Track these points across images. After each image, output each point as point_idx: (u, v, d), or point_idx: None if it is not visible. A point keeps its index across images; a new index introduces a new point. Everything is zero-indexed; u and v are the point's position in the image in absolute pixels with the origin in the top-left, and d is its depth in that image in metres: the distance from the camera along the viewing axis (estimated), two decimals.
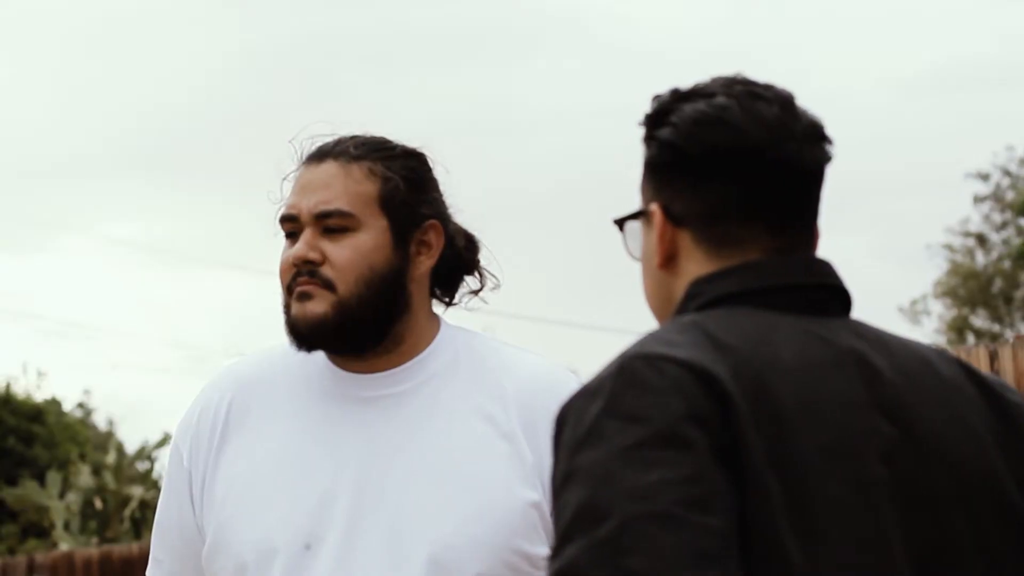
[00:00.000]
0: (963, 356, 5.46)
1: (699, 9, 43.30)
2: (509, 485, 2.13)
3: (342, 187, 2.17)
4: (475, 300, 2.31)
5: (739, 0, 40.97)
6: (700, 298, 1.57)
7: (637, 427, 1.40)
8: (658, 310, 1.65)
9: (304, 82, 39.79)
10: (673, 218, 1.60)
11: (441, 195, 2.25)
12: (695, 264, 1.60)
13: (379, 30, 41.52)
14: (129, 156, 41.94)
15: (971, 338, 25.61)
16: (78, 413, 26.30)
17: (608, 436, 1.40)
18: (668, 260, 1.61)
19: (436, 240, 2.22)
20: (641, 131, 1.64)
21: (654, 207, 1.61)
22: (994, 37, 39.32)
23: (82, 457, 21.11)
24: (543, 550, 2.14)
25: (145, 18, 40.45)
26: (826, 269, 1.61)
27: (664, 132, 1.60)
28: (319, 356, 2.23)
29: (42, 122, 40.81)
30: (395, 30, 40.40)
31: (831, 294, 1.61)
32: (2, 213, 37.78)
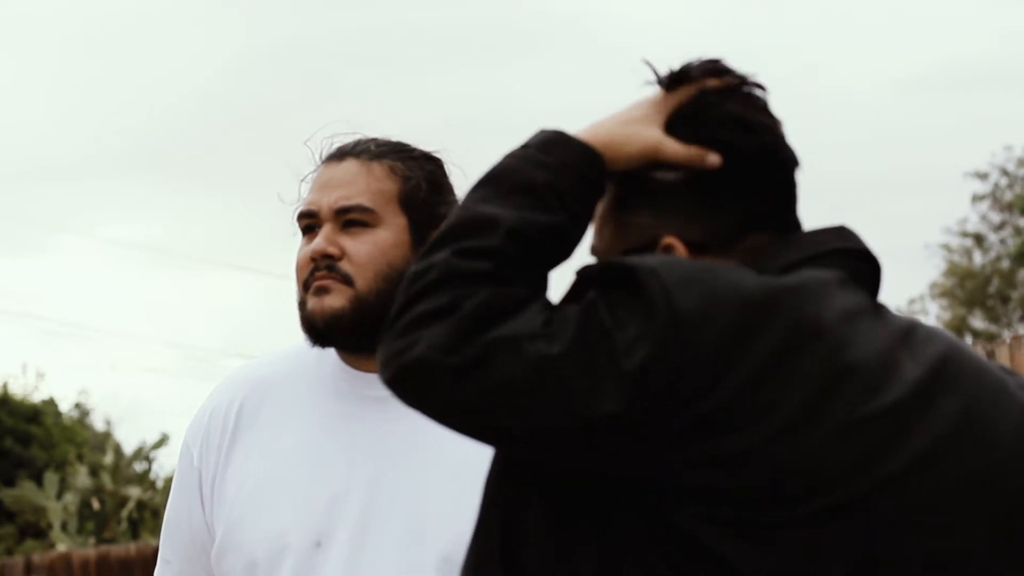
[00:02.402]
0: None
1: (699, 10, 43.35)
2: None
3: (364, 184, 2.18)
4: None
5: (739, 1, 40.99)
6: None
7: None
8: None
9: (304, 82, 39.81)
10: (695, 246, 1.53)
11: (457, 200, 2.26)
12: None
13: (379, 30, 41.54)
14: (129, 157, 41.95)
15: (968, 339, 25.64)
16: (76, 414, 26.27)
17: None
18: None
19: None
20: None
21: (670, 240, 1.53)
22: (992, 37, 39.35)
23: (79, 458, 21.10)
24: None
25: (145, 19, 40.47)
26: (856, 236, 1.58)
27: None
28: (331, 356, 2.24)
29: (42, 122, 40.83)
30: (395, 30, 40.41)
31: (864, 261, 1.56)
32: (2, 213, 37.75)
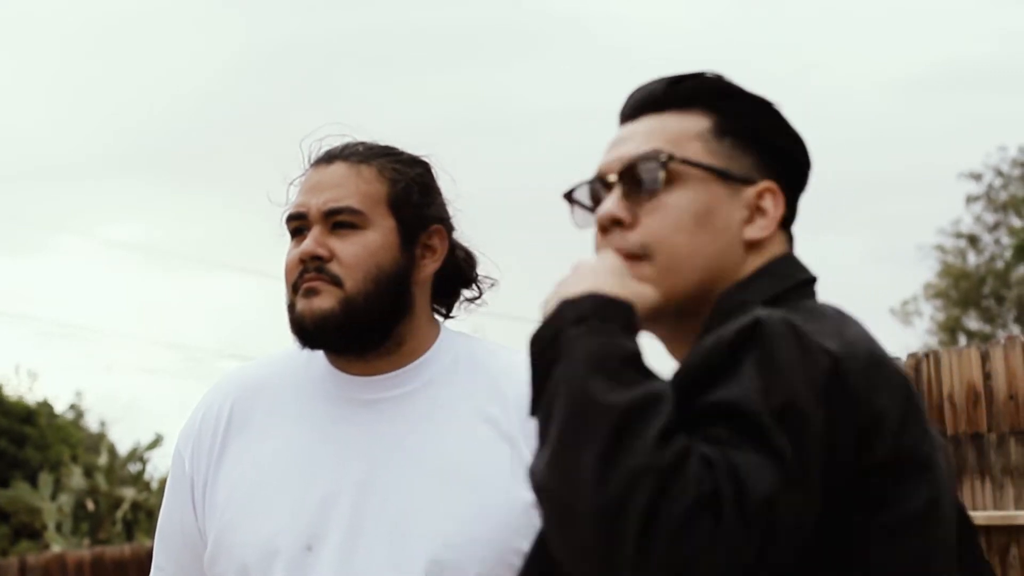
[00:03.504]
0: (955, 357, 5.48)
1: (699, 10, 43.35)
2: (509, 486, 2.14)
3: (353, 186, 2.19)
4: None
5: (739, 1, 41.01)
6: (790, 280, 1.55)
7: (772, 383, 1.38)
8: (695, 269, 1.53)
9: (303, 83, 39.80)
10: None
11: (445, 203, 2.27)
12: (768, 258, 1.58)
13: (379, 31, 41.53)
14: (128, 157, 41.87)
15: (963, 339, 25.64)
16: (71, 415, 26.26)
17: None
18: (759, 243, 1.57)
19: (440, 245, 2.24)
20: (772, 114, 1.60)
21: (773, 185, 1.58)
22: (990, 38, 39.39)
23: (74, 459, 21.09)
24: None
25: (144, 19, 40.45)
26: None
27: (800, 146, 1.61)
28: (321, 360, 2.24)
29: (41, 123, 40.79)
30: (395, 31, 40.41)
31: None
32: (1, 213, 37.69)
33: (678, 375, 1.42)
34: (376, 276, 2.17)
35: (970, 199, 26.69)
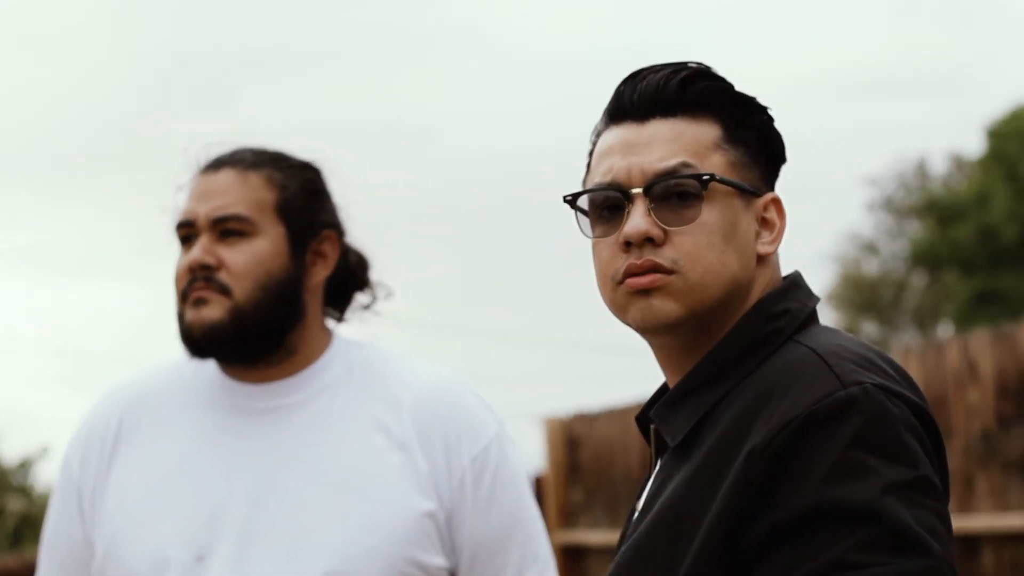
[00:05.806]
0: None
1: (592, 13, 43.63)
2: (404, 495, 2.13)
3: (240, 193, 2.17)
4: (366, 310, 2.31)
5: (633, 5, 41.36)
6: (802, 313, 1.53)
7: (901, 468, 1.38)
8: (721, 286, 1.51)
9: (191, 87, 39.43)
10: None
11: (336, 208, 2.25)
12: (772, 270, 1.57)
13: (270, 34, 41.31)
14: (10, 164, 41.20)
15: None
16: None
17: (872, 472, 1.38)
18: (766, 256, 1.56)
19: (332, 251, 2.22)
20: (758, 114, 1.60)
21: (776, 196, 1.59)
22: (884, 45, 40.05)
23: None
24: (438, 560, 2.15)
25: (29, 22, 39.85)
26: None
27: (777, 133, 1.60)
28: (211, 368, 2.22)
29: None
30: (292, 35, 40.22)
31: None
32: None
33: (762, 451, 1.40)
34: (265, 284, 2.15)
35: (869, 206, 27.11)
